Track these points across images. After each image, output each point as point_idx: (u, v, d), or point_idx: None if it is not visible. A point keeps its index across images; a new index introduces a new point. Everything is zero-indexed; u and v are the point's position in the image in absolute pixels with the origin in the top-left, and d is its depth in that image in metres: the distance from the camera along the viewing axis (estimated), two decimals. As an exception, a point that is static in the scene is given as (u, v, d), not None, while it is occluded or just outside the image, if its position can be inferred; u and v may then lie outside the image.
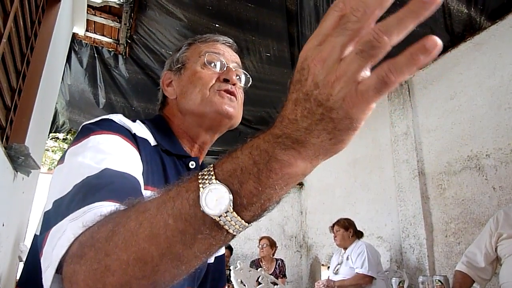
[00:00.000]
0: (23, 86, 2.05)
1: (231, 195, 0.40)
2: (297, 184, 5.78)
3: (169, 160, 0.81)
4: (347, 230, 3.54)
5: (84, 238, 0.46)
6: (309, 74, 0.36)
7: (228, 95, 0.85)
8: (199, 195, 0.40)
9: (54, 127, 4.61)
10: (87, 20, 3.60)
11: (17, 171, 2.00)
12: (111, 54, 3.88)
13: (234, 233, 0.42)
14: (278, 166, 0.39)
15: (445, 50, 3.58)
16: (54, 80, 3.08)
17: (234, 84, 0.87)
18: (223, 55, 0.91)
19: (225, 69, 0.89)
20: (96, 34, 3.78)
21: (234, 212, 0.40)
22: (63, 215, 0.51)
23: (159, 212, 0.42)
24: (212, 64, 0.88)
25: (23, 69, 2.01)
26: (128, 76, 4.04)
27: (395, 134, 4.02)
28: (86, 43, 3.82)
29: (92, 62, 3.93)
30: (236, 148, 0.43)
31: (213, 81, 0.86)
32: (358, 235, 3.60)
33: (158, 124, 0.86)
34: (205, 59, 0.88)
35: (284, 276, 4.47)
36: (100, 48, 3.86)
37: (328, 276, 3.68)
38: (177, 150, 0.84)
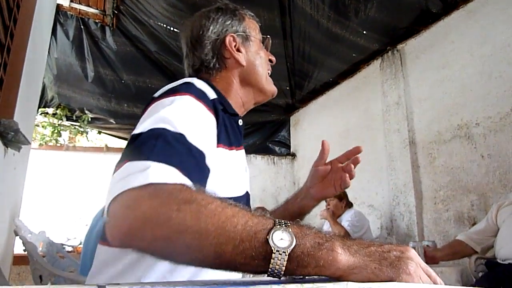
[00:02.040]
0: (8, 60, 2.00)
1: (295, 241, 0.49)
2: (290, 155, 5.80)
3: (226, 117, 0.89)
4: (341, 200, 3.62)
5: (164, 187, 0.54)
6: (405, 251, 0.53)
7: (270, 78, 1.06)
8: (272, 228, 0.50)
9: (43, 102, 4.53)
10: (71, -10, 3.48)
11: (7, 147, 1.98)
12: (98, 26, 3.78)
13: (266, 270, 0.50)
14: (330, 246, 0.50)
15: (437, 18, 3.55)
16: (40, 53, 3.01)
17: None
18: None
19: (268, 49, 1.09)
20: (81, 5, 3.67)
21: (287, 256, 0.49)
22: (144, 155, 0.59)
23: (234, 214, 0.51)
24: (265, 45, 1.08)
25: (7, 42, 1.95)
26: (116, 48, 3.95)
27: (387, 104, 4.03)
28: (72, 15, 3.71)
29: (78, 35, 3.83)
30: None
31: (267, 61, 1.06)
32: (349, 205, 3.69)
33: (212, 87, 0.93)
34: (262, 40, 1.07)
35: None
36: (86, 19, 3.75)
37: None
38: (231, 110, 0.95)
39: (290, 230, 0.50)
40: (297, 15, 3.54)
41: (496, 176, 2.91)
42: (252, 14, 1.10)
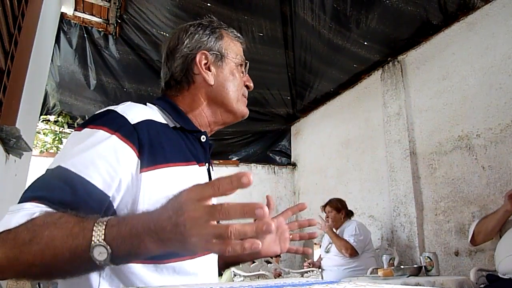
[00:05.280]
0: (11, 67, 2.01)
1: (110, 252, 0.58)
2: (290, 165, 5.81)
3: (182, 135, 0.91)
4: (339, 212, 3.59)
5: (9, 235, 0.62)
6: (184, 214, 0.55)
7: (245, 100, 1.04)
8: (90, 245, 0.58)
9: (45, 109, 4.55)
10: (75, -1, 3.52)
11: (8, 153, 1.99)
12: (101, 35, 3.81)
13: (104, 268, 0.61)
14: (142, 246, 0.59)
15: (438, 29, 3.57)
16: (43, 60, 3.03)
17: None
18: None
19: (246, 73, 1.06)
20: (85, 13, 3.70)
21: (110, 262, 0.59)
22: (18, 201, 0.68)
23: (62, 244, 0.59)
24: (244, 69, 1.04)
25: (11, 49, 1.97)
26: (119, 57, 3.98)
27: (388, 114, 4.04)
28: (75, 23, 3.74)
29: (81, 43, 3.85)
30: (126, 218, 0.62)
31: (242, 85, 1.03)
32: (349, 215, 3.67)
33: (168, 105, 0.96)
34: (241, 63, 1.03)
35: (279, 255, 4.55)
36: (89, 28, 3.78)
37: (320, 246, 3.76)
38: (190, 127, 0.94)
39: (103, 242, 0.58)
40: (299, 26, 3.57)
41: (497, 187, 2.91)
42: (238, 35, 1.06)
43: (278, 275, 3.79)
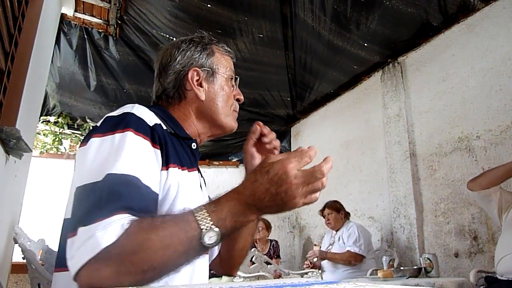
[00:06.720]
0: (12, 68, 2.02)
1: (220, 233, 0.66)
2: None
3: (176, 141, 0.94)
4: (339, 212, 3.61)
5: (112, 251, 0.62)
6: (285, 183, 0.66)
7: (236, 115, 1.09)
8: (202, 232, 0.65)
9: (45, 110, 4.56)
10: (76, 0, 3.52)
11: (9, 154, 1.99)
12: (101, 36, 3.81)
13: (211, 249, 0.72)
14: (246, 219, 0.69)
15: (438, 31, 3.57)
16: (44, 61, 3.03)
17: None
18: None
19: (236, 88, 1.09)
20: (85, 14, 3.70)
21: (219, 242, 0.66)
22: (91, 218, 0.65)
23: (176, 240, 0.64)
24: (233, 83, 1.08)
25: (11, 50, 1.97)
26: (119, 58, 3.98)
27: (388, 116, 4.04)
28: (75, 24, 3.75)
29: (82, 44, 3.85)
30: (220, 202, 0.69)
31: (233, 99, 1.08)
32: (347, 215, 3.68)
33: (163, 113, 0.98)
34: (231, 77, 1.07)
35: (278, 257, 4.54)
36: (89, 29, 3.79)
37: (320, 247, 3.76)
38: (183, 134, 0.99)
39: (213, 226, 0.65)
40: (299, 27, 3.57)
41: (497, 189, 2.90)
42: (229, 50, 1.11)
43: (278, 276, 3.79)
